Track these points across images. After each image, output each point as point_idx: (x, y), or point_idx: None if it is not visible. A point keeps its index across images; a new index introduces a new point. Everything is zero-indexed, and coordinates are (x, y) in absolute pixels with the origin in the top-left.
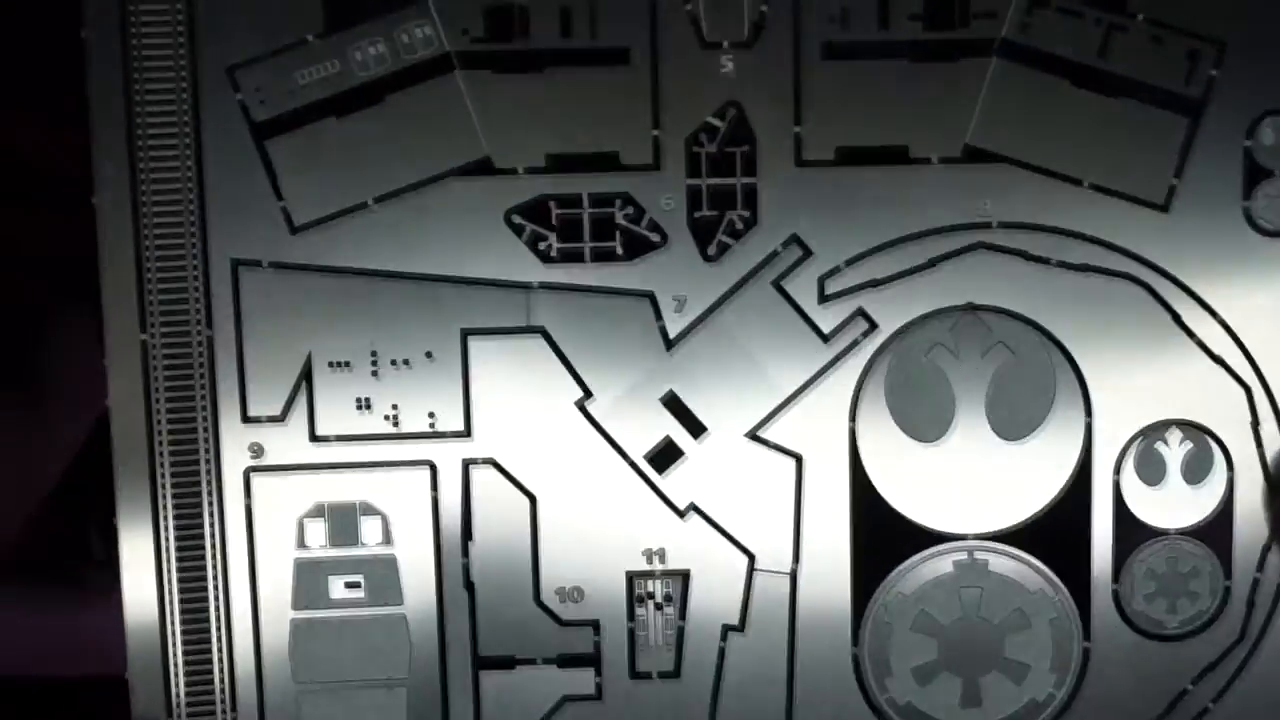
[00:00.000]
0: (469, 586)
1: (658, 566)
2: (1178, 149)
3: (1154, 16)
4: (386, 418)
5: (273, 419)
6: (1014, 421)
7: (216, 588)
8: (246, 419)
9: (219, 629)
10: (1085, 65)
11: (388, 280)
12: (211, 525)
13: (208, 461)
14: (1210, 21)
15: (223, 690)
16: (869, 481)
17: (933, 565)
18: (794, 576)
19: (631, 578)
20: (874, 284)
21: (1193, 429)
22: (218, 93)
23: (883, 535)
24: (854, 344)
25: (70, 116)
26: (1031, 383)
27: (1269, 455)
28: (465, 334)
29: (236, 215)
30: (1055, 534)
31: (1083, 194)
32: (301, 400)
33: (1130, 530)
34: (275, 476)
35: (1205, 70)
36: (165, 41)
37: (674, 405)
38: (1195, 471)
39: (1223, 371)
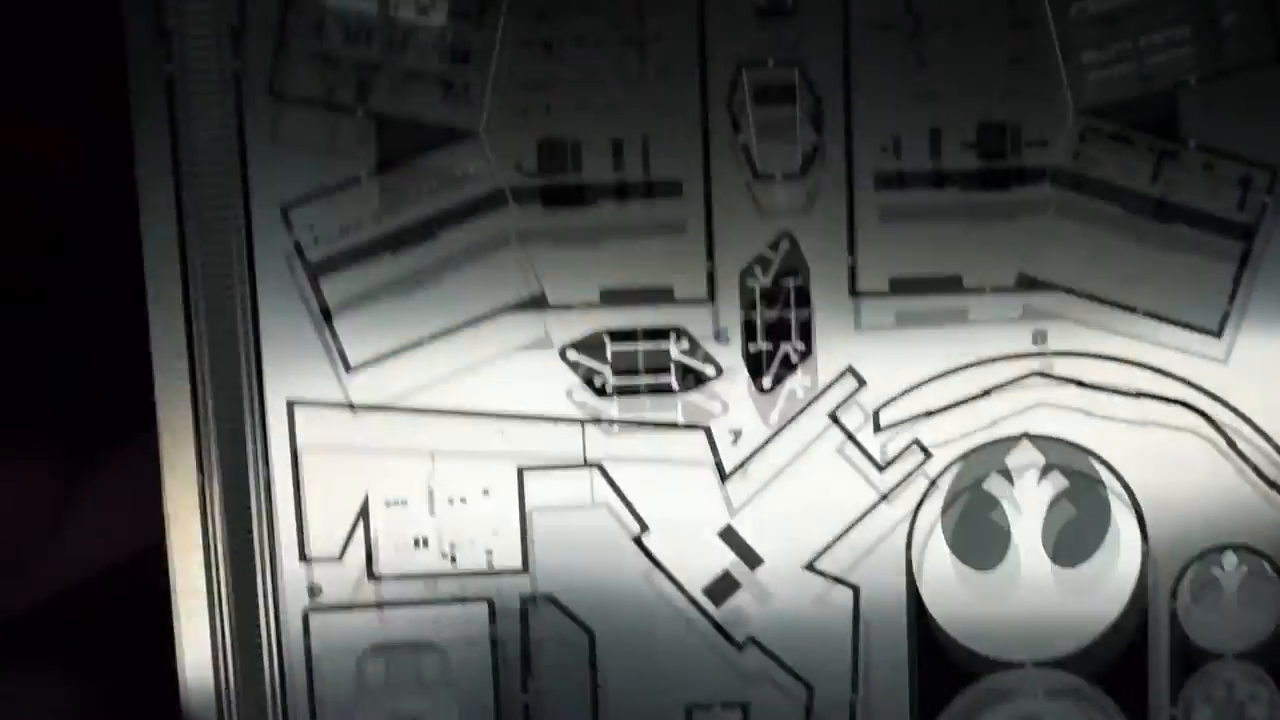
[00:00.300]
0: None
1: (716, 699)
2: (1231, 274)
3: (1206, 143)
4: (444, 554)
5: (330, 558)
6: (1070, 547)
7: None
8: (304, 558)
9: None
10: (1138, 192)
11: (443, 417)
12: (271, 667)
13: (266, 602)
14: (1263, 148)
15: None
16: (926, 609)
17: (991, 689)
18: (853, 707)
19: (690, 710)
20: (929, 413)
21: (1248, 553)
22: (272, 233)
23: (941, 663)
24: (910, 473)
25: (125, 267)
26: (1087, 509)
27: None
28: (521, 470)
29: (292, 355)
30: (1112, 659)
31: (1137, 320)
32: (359, 538)
33: (1186, 654)
34: (333, 615)
35: (1258, 196)
36: (218, 180)
37: (730, 537)
38: (1251, 595)
39: (1278, 496)
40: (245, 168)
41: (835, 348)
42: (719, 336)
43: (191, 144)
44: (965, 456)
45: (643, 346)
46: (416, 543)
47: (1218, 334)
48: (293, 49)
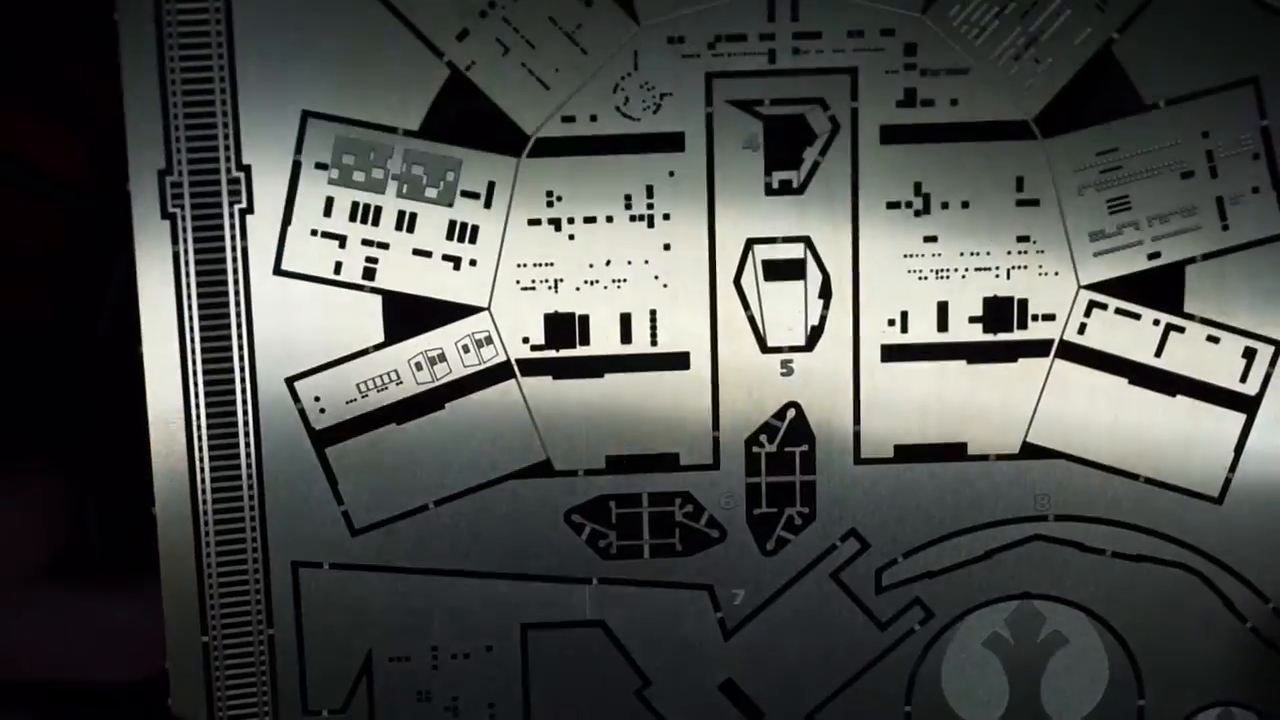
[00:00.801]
0: None
1: None
2: (1233, 444)
3: (1210, 317)
4: (447, 709)
5: (334, 711)
6: (1068, 704)
7: None
8: (307, 712)
9: None
10: (1142, 364)
11: (448, 577)
12: None
13: None
14: (1267, 322)
15: None
16: None
17: None
18: None
19: None
20: (930, 575)
21: (1244, 710)
22: (277, 403)
23: None
24: (910, 631)
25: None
26: (1085, 668)
27: None
28: (525, 628)
29: (296, 519)
30: None
31: (1139, 487)
32: (363, 692)
33: None
34: None
35: (1261, 368)
36: (223, 356)
37: (732, 691)
38: None
39: (1276, 655)
40: (251, 340)
41: (839, 512)
42: (724, 502)
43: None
44: (965, 615)
45: (648, 511)
46: (419, 696)
47: (1219, 501)
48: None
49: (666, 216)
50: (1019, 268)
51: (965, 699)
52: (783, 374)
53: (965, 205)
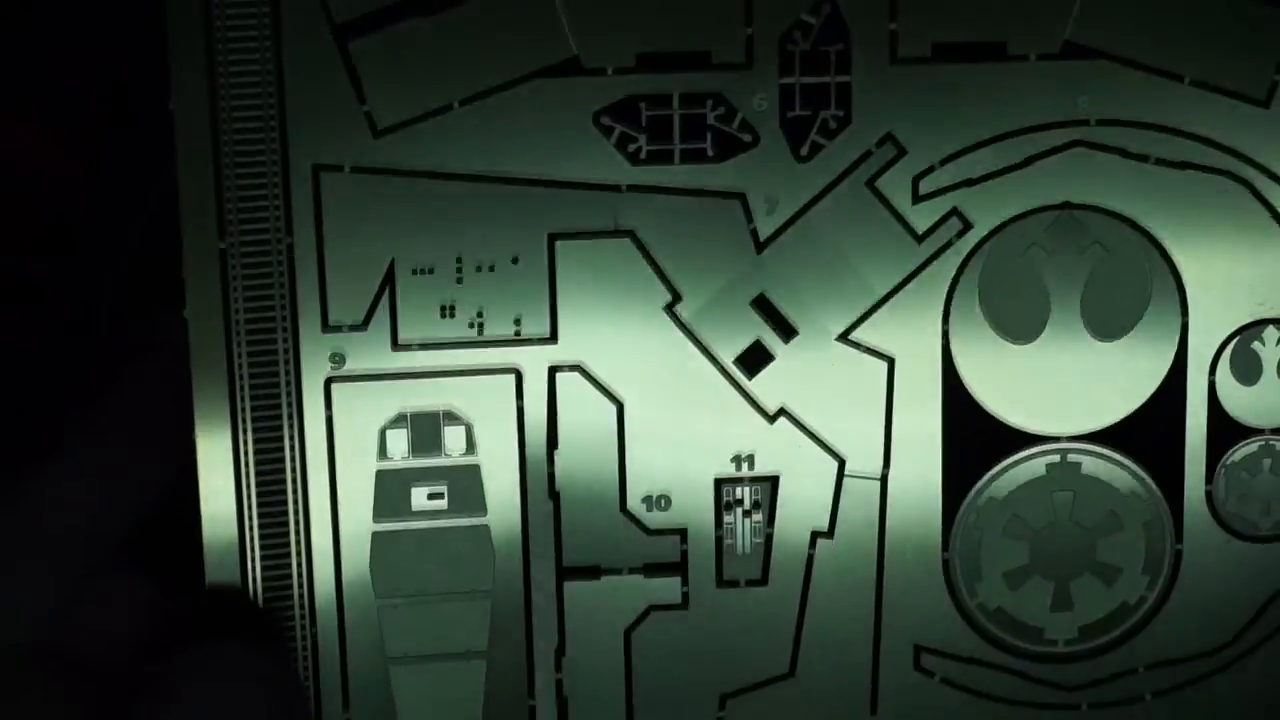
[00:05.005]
0: (554, 495)
1: (746, 473)
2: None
3: None
4: (471, 324)
5: (354, 326)
6: (1108, 321)
7: (296, 500)
8: (327, 327)
9: (298, 542)
10: None
11: (473, 183)
12: (291, 436)
13: (287, 371)
14: None
15: (302, 605)
16: (961, 384)
17: (1025, 468)
18: (884, 481)
19: (720, 484)
20: (969, 183)
21: None
22: None
23: (975, 438)
24: (948, 244)
25: (148, 20)
26: (1127, 282)
27: None
28: (552, 238)
29: (317, 119)
30: (1148, 435)
31: (1183, 90)
32: (384, 307)
33: (1224, 430)
34: (356, 385)
35: None
36: None
37: (764, 307)
38: None
39: None
40: None
41: (874, 115)
42: (756, 104)
43: None
44: (1005, 227)
45: (679, 113)
46: (443, 311)
47: (1265, 104)
48: None
49: None
50: None
51: (1004, 313)
52: None
53: None
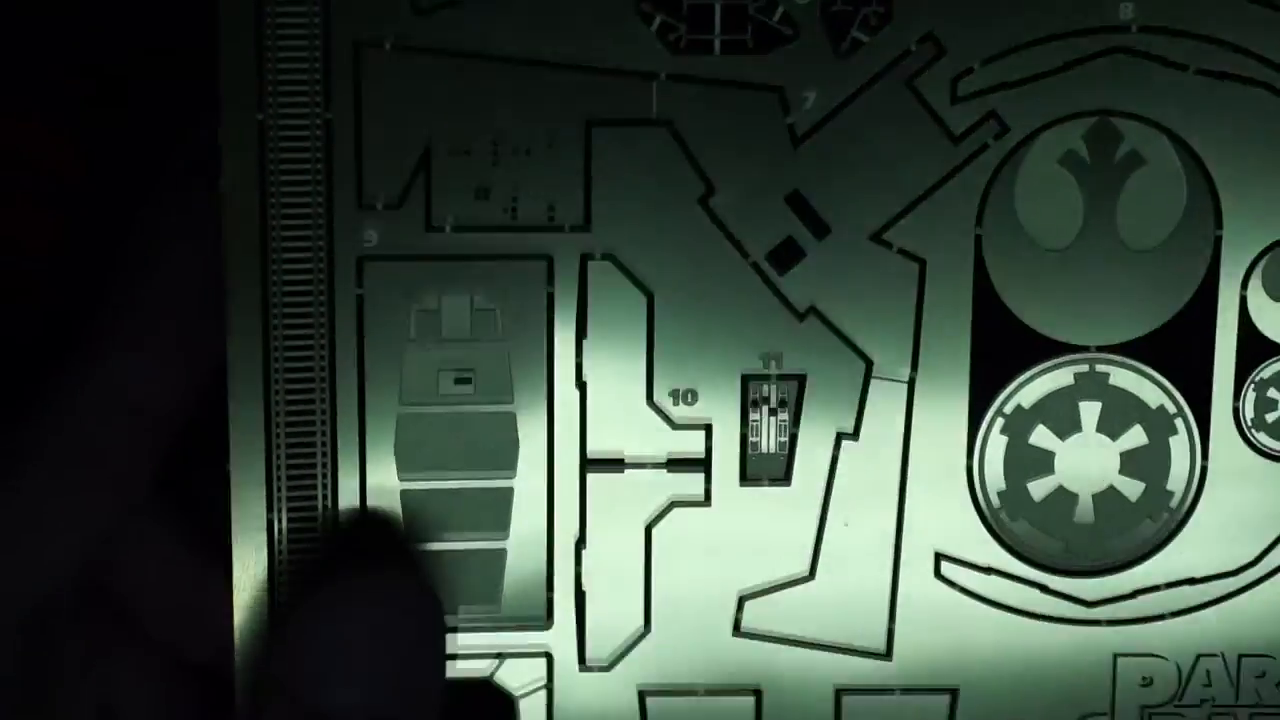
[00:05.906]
0: (581, 385)
1: (774, 370)
2: None
3: None
4: (505, 209)
5: (389, 206)
6: (1142, 231)
7: (323, 378)
8: (362, 205)
9: (324, 421)
10: None
11: (513, 66)
12: (321, 312)
13: (320, 246)
14: None
15: (325, 485)
16: (992, 289)
17: (1052, 377)
18: (911, 384)
19: (746, 380)
20: (1007, 85)
21: None
22: None
23: (1003, 344)
24: (984, 147)
25: None
26: (1162, 192)
27: None
28: (589, 124)
29: None
30: (1178, 348)
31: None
32: (419, 187)
33: (1254, 346)
34: (388, 265)
35: None
36: None
37: (797, 204)
38: None
39: None
40: None
41: (915, 13)
42: None
43: None
44: (1041, 131)
45: (720, 2)
46: (478, 194)
47: None
48: None
49: None
50: None
51: (1038, 219)
52: None
53: None
